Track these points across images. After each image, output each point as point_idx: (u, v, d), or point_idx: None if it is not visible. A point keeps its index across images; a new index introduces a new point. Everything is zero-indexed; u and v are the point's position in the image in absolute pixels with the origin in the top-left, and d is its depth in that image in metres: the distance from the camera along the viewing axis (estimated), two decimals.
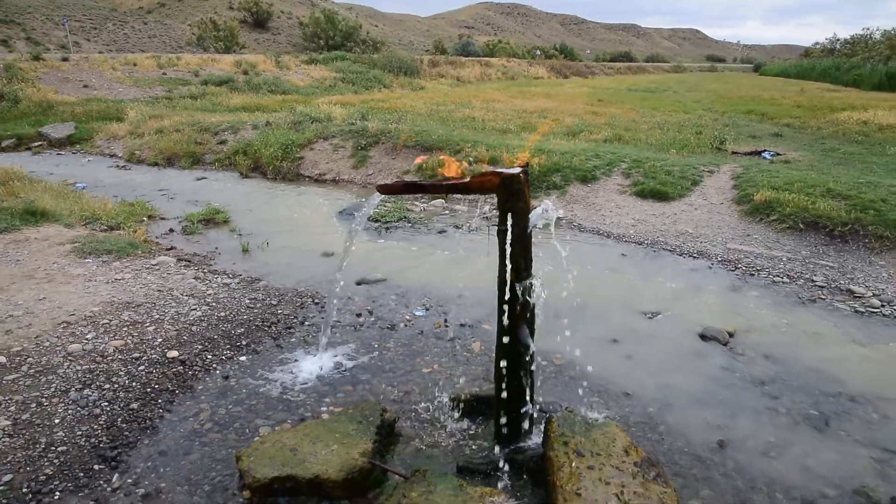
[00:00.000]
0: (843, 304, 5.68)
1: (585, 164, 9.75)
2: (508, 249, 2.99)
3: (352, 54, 40.00)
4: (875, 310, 5.54)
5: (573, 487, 2.62)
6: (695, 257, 6.93)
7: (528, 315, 3.12)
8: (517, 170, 3.06)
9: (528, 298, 3.07)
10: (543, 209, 3.14)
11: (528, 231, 3.11)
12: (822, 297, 5.85)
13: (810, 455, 3.53)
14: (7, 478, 3.07)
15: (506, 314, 3.04)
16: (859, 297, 5.81)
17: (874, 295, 5.81)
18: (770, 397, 4.13)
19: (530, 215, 3.11)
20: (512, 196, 3.06)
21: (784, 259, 6.70)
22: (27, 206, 6.94)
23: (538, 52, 71.90)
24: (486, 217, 8.52)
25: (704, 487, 3.22)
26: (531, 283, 3.08)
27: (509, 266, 2.98)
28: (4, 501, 2.92)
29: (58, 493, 3.02)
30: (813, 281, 6.18)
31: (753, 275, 6.40)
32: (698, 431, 3.72)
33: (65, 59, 23.20)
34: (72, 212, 7.42)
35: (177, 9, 72.24)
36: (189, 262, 6.39)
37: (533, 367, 3.19)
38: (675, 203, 8.39)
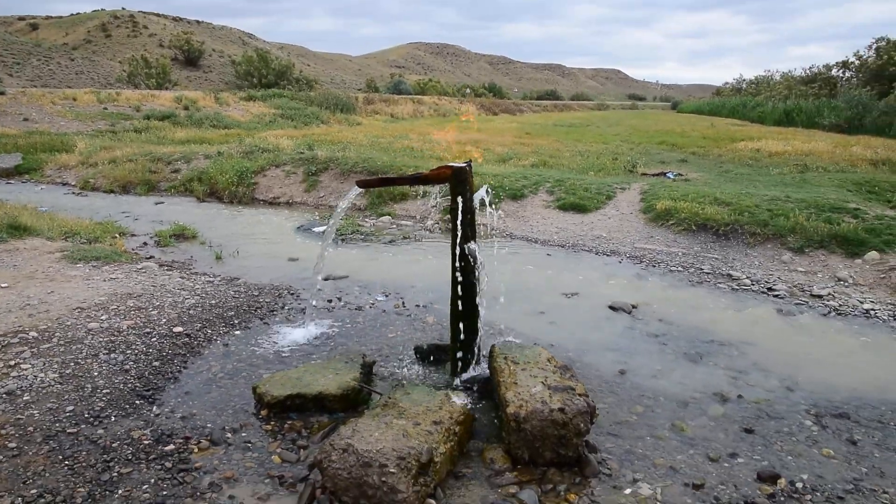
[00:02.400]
0: (723, 285, 7.06)
1: (515, 184, 11.05)
2: (459, 220, 4.10)
3: (288, 91, 40.90)
4: (746, 287, 6.95)
5: (512, 380, 3.70)
6: (608, 255, 8.25)
7: (474, 265, 4.21)
8: (464, 164, 4.20)
9: (474, 256, 4.17)
10: (481, 193, 4.28)
11: (473, 208, 4.23)
12: (708, 280, 7.23)
13: (686, 376, 4.74)
14: (70, 408, 3.87)
15: (458, 269, 4.12)
16: (736, 279, 7.22)
17: (747, 277, 7.23)
18: (660, 344, 5.37)
19: (474, 196, 4.24)
20: (460, 183, 4.18)
21: (680, 254, 8.10)
22: (11, 221, 7.55)
23: (468, 91, 74.71)
24: (429, 230, 9.63)
25: (608, 396, 4.36)
26: (474, 246, 4.19)
27: (460, 232, 4.09)
28: (75, 422, 3.73)
29: (113, 417, 3.85)
30: (702, 269, 7.57)
31: (655, 266, 7.74)
32: (605, 365, 4.89)
33: (1, 93, 23.15)
34: (51, 227, 8.05)
35: (104, 45, 71.25)
36: (171, 266, 7.18)
37: (481, 311, 4.28)
38: (592, 214, 9.76)
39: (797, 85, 49.43)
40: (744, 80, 76.40)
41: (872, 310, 6.22)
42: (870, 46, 40.21)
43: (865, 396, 4.46)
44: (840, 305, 6.37)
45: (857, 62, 42.42)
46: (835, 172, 13.17)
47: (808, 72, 51.00)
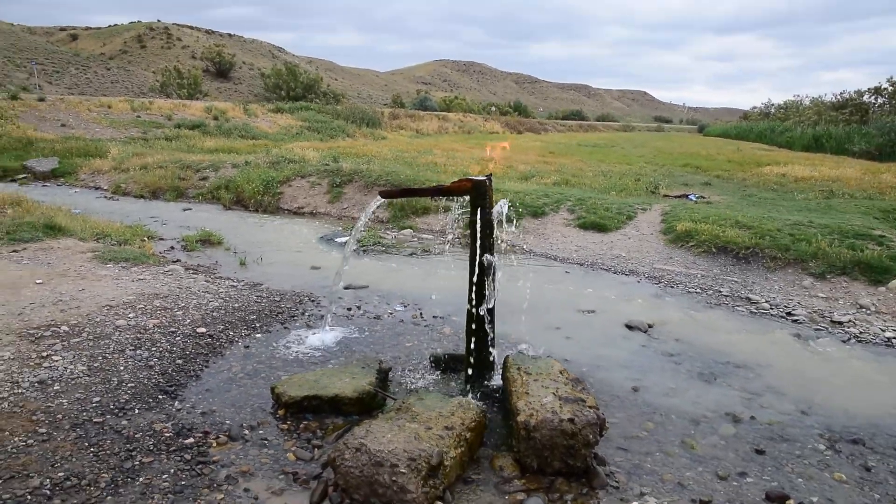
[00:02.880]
0: (741, 308, 7.05)
1: (536, 201, 11.14)
2: (479, 232, 4.20)
3: (316, 104, 41.59)
4: (765, 311, 6.93)
5: (523, 389, 3.76)
6: (626, 274, 8.28)
7: (492, 276, 4.30)
8: (483, 177, 4.31)
9: (491, 266, 4.26)
10: (501, 206, 4.38)
11: (492, 221, 4.33)
12: (726, 303, 7.21)
13: (699, 396, 4.75)
14: (96, 399, 4.03)
15: (475, 276, 4.22)
16: (755, 302, 7.20)
17: (766, 301, 7.21)
18: (674, 363, 5.38)
19: (493, 209, 4.34)
20: (480, 196, 4.29)
21: (699, 276, 8.09)
22: (47, 222, 7.84)
23: (493, 109, 75.19)
24: (450, 244, 9.74)
25: (620, 412, 4.40)
26: (492, 258, 4.28)
27: (479, 244, 4.19)
28: (101, 412, 3.87)
29: (137, 409, 3.99)
30: (720, 292, 7.56)
31: (673, 287, 7.75)
32: (618, 382, 4.92)
33: (41, 100, 23.94)
34: (83, 229, 8.32)
35: (139, 56, 73.20)
36: (196, 270, 7.37)
37: (496, 322, 4.36)
38: (612, 233, 9.80)
39: (827, 110, 48.97)
40: (772, 104, 75.91)
41: (894, 338, 6.16)
42: None
43: (882, 424, 4.44)
44: (861, 333, 6.32)
45: (889, 88, 41.94)
46: (861, 199, 13.04)
47: (838, 97, 50.50)
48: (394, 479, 3.01)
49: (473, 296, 4.27)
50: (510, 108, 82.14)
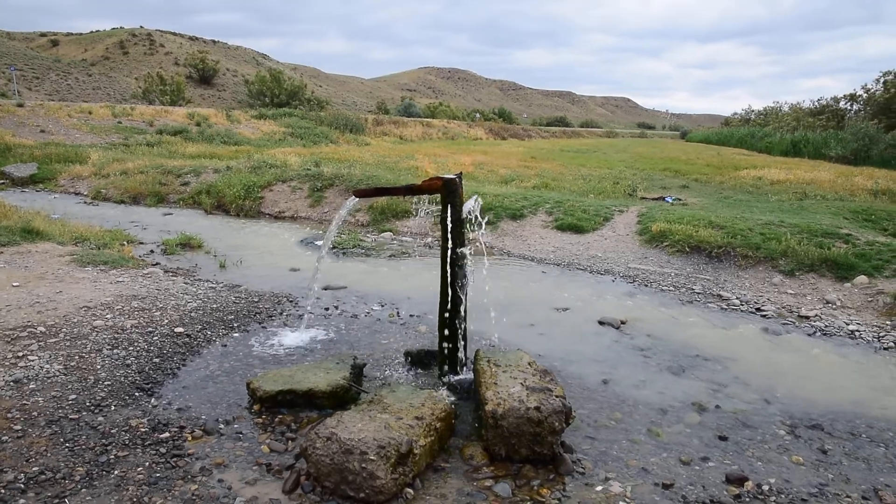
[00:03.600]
0: (713, 305, 7.21)
1: (515, 204, 11.28)
2: (450, 228, 4.30)
3: (299, 111, 41.59)
4: (735, 307, 7.10)
5: (492, 380, 3.87)
6: (602, 274, 8.42)
7: (462, 271, 4.40)
8: (454, 175, 4.42)
9: (462, 261, 4.36)
10: (471, 203, 4.49)
11: (462, 218, 4.44)
12: (698, 300, 7.38)
13: (667, 387, 4.88)
14: (72, 397, 4.07)
15: (447, 273, 4.32)
16: (726, 299, 7.37)
17: (737, 298, 7.38)
18: (645, 357, 5.52)
19: (463, 206, 4.45)
20: (451, 193, 4.39)
21: (672, 274, 8.26)
22: (24, 226, 7.83)
23: (478, 115, 75.53)
24: (429, 246, 9.85)
25: (589, 403, 4.51)
26: (464, 252, 4.39)
27: (450, 239, 4.29)
28: (77, 409, 3.92)
29: (112, 406, 4.04)
30: (692, 289, 7.73)
31: (647, 285, 7.90)
32: (589, 375, 5.04)
33: (20, 105, 23.76)
34: (62, 233, 8.32)
35: (122, 62, 72.69)
36: (175, 273, 7.40)
37: (468, 316, 4.46)
38: (589, 235, 9.96)
39: (805, 116, 49.76)
40: (752, 110, 76.84)
41: (857, 331, 6.35)
42: (878, 80, 40.59)
43: (841, 410, 4.59)
44: (826, 326, 6.51)
45: (864, 95, 42.74)
46: (833, 200, 13.34)
47: (816, 104, 51.35)
48: (363, 465, 3.10)
49: (447, 291, 4.37)
50: (494, 114, 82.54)
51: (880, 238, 8.89)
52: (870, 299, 7.11)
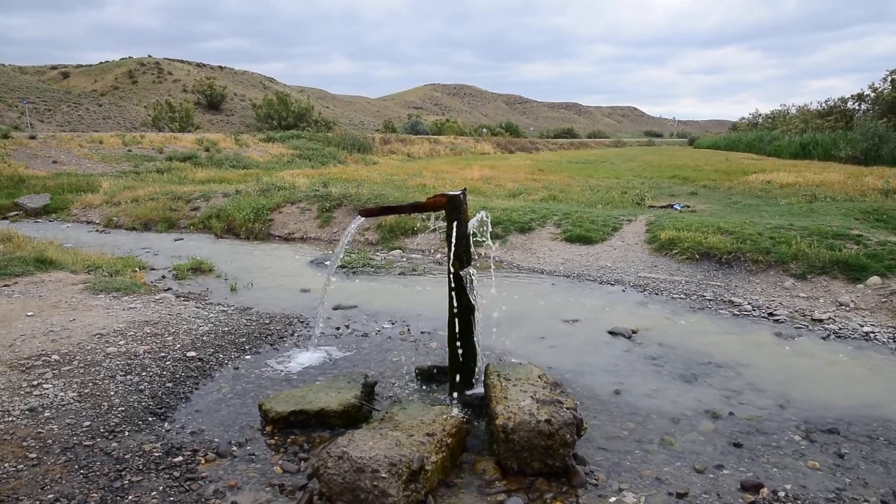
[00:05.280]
0: (724, 311, 7.17)
1: (523, 217, 11.29)
2: (454, 245, 4.32)
3: (307, 132, 41.99)
4: (747, 313, 7.05)
5: (503, 394, 3.87)
6: (612, 284, 8.40)
7: (471, 288, 4.42)
8: (458, 192, 4.45)
9: (469, 279, 4.38)
10: (477, 219, 4.52)
11: (468, 234, 4.47)
12: (709, 306, 7.34)
13: (679, 395, 4.85)
14: (87, 423, 4.11)
15: (453, 288, 4.34)
16: (737, 305, 7.32)
17: (748, 303, 7.33)
18: (656, 366, 5.49)
19: (469, 223, 4.48)
20: (455, 210, 4.43)
21: (682, 282, 8.22)
22: (38, 255, 7.95)
23: (485, 130, 75.84)
24: (439, 262, 9.87)
25: (601, 414, 4.50)
26: (470, 271, 4.41)
27: (455, 256, 4.31)
28: (91, 436, 3.96)
29: (126, 432, 4.07)
30: (703, 296, 7.69)
31: (658, 294, 7.87)
32: (601, 386, 5.02)
33: (32, 138, 24.18)
34: (75, 262, 8.43)
35: (131, 91, 73.72)
36: (187, 297, 7.47)
37: (477, 330, 4.47)
38: (598, 245, 9.94)
39: (813, 118, 49.49)
40: (760, 114, 76.56)
41: (872, 333, 6.28)
42: (885, 78, 40.32)
43: (857, 413, 4.54)
44: (840, 329, 6.44)
45: (872, 94, 42.47)
46: (843, 202, 13.25)
47: (824, 105, 51.05)
48: (375, 483, 3.10)
49: (454, 307, 4.38)
50: (501, 128, 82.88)
51: (892, 238, 8.80)
52: (883, 300, 7.03)
